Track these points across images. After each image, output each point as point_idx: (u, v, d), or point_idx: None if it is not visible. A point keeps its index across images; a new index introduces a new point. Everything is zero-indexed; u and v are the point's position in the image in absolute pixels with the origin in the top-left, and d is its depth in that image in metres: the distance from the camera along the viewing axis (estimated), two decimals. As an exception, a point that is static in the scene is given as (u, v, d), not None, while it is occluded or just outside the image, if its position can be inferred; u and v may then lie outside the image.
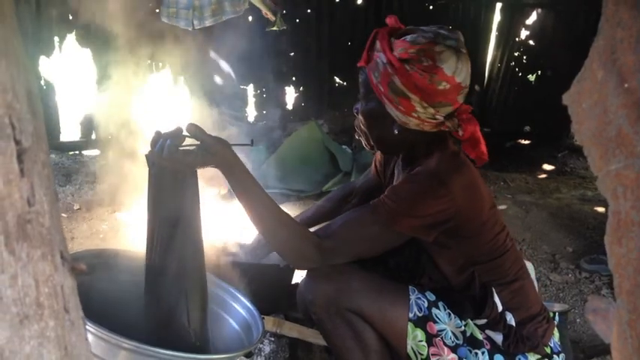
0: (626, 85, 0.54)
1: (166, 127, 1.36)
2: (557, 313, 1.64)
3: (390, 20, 1.46)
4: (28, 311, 0.46)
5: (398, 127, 1.45)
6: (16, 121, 0.44)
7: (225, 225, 2.48)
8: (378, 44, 1.41)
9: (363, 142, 1.62)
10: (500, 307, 1.46)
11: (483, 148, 1.48)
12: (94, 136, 4.76)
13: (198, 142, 1.35)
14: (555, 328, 1.56)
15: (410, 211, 1.37)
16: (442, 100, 1.37)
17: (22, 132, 0.44)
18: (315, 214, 1.98)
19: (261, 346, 1.96)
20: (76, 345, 0.50)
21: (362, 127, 1.57)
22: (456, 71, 1.35)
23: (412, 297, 1.45)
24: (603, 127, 0.55)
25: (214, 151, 1.33)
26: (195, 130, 1.33)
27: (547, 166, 5.04)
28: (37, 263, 0.47)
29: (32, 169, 0.46)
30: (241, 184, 1.38)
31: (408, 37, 1.38)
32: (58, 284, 0.49)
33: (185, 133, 1.35)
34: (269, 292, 2.05)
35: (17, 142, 0.44)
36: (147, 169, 1.42)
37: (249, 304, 1.66)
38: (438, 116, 1.40)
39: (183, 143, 1.36)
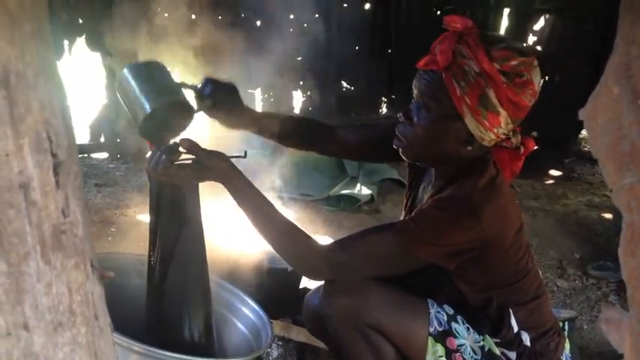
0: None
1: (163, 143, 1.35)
2: (566, 323, 1.60)
3: (461, 22, 1.29)
4: (61, 318, 0.48)
5: (474, 144, 1.33)
6: (53, 135, 0.46)
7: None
8: (464, 50, 1.26)
9: (404, 154, 1.43)
10: (516, 329, 1.41)
11: (521, 163, 1.42)
12: (102, 140, 4.80)
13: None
14: (567, 340, 1.53)
15: (435, 239, 1.31)
16: (522, 117, 1.31)
17: (58, 146, 0.46)
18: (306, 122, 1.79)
19: (269, 350, 1.97)
20: (104, 351, 0.52)
21: (412, 138, 1.38)
22: (539, 87, 1.30)
23: (432, 311, 1.40)
24: (617, 142, 0.57)
25: (210, 166, 1.31)
26: (189, 145, 1.30)
27: (554, 172, 5.03)
28: (70, 272, 0.48)
29: (66, 181, 0.48)
30: (242, 196, 1.35)
31: (503, 45, 1.27)
32: (89, 292, 0.50)
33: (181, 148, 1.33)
34: (277, 296, 2.07)
35: (54, 156, 0.46)
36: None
37: (258, 308, 1.66)
38: (511, 132, 1.33)
39: (181, 159, 1.34)
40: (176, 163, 1.31)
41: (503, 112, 1.27)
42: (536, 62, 1.29)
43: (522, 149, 1.38)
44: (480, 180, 1.32)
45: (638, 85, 0.54)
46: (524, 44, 1.30)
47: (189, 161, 1.33)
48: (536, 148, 1.43)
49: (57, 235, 0.47)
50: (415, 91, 1.36)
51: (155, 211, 1.41)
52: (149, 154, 1.34)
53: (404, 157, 1.44)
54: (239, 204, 1.37)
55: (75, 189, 0.49)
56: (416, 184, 1.61)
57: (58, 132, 0.46)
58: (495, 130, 1.29)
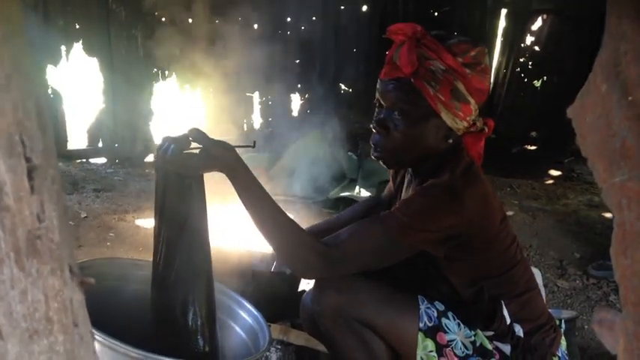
0: (630, 98, 0.54)
1: (174, 133, 1.37)
2: (562, 321, 1.62)
3: (410, 28, 1.36)
4: (37, 326, 0.47)
5: (452, 136, 1.41)
6: (27, 139, 0.45)
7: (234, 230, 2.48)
8: (426, 52, 1.34)
9: (386, 163, 1.50)
10: (508, 320, 1.44)
11: (482, 144, 1.49)
12: (100, 144, 4.80)
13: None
14: (562, 337, 1.55)
15: (421, 224, 1.34)
16: (484, 100, 1.42)
17: (32, 150, 0.45)
18: (336, 223, 1.85)
19: (267, 354, 1.96)
20: (84, 358, 0.51)
21: (392, 146, 1.43)
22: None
23: (422, 307, 1.42)
24: (607, 140, 0.56)
25: (216, 155, 1.32)
26: (197, 134, 1.32)
27: (554, 172, 5.03)
28: (46, 278, 0.47)
29: (42, 185, 0.47)
30: (245, 188, 1.35)
31: (456, 40, 1.37)
32: (67, 299, 0.49)
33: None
34: (276, 299, 2.06)
35: (27, 160, 0.45)
36: (153, 176, 1.43)
37: (255, 312, 1.65)
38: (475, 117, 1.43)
39: (190, 148, 1.36)
40: (185, 152, 1.34)
41: (472, 101, 1.38)
42: (486, 50, 1.43)
43: (486, 130, 1.46)
44: (457, 168, 1.39)
45: (627, 81, 0.53)
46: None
47: (197, 151, 1.35)
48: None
49: (32, 241, 0.46)
50: (383, 101, 1.43)
51: (160, 202, 1.41)
52: (149, 157, 1.35)
53: (385, 167, 1.52)
54: (240, 195, 1.37)
55: (52, 193, 0.48)
56: (399, 187, 1.66)
57: (32, 135, 0.45)
58: (468, 119, 1.40)
